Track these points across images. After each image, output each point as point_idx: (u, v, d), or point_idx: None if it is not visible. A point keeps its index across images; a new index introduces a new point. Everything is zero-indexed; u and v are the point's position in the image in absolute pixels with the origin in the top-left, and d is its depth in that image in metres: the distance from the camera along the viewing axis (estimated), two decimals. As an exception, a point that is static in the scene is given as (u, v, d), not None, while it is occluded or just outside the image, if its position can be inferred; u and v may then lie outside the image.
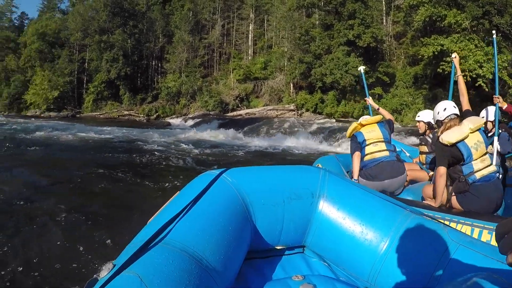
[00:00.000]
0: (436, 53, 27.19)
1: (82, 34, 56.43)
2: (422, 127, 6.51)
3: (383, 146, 5.23)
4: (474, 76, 25.06)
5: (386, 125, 5.57)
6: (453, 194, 4.02)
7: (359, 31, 34.78)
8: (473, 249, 2.16)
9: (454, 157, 3.95)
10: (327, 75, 34.51)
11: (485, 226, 3.45)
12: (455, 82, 5.44)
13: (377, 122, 5.49)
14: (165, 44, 56.09)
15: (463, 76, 21.43)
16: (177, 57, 51.45)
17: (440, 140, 3.97)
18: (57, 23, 63.05)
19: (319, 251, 2.70)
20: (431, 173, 5.66)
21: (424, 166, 5.97)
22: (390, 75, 36.06)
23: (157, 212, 2.23)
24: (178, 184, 9.94)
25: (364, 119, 5.62)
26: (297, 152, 18.84)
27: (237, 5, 55.82)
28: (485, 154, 3.95)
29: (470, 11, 26.41)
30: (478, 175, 3.86)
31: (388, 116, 6.10)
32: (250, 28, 54.52)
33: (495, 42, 5.89)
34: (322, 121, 33.51)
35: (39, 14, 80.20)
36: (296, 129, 26.58)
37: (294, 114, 37.99)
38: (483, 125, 4.31)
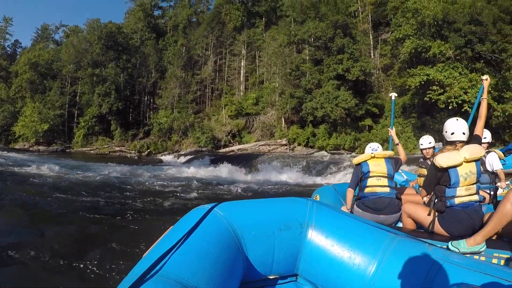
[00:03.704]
0: (422, 82, 28.03)
1: (75, 66, 56.66)
2: (431, 153, 6.67)
3: (385, 181, 5.20)
4: (460, 102, 25.85)
5: (393, 162, 5.51)
6: (436, 216, 4.05)
7: (348, 65, 35.27)
8: (458, 264, 2.30)
9: (442, 180, 3.97)
10: (318, 109, 34.85)
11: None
12: (479, 104, 5.37)
13: (385, 158, 5.45)
14: (157, 79, 56.22)
15: (450, 102, 21.47)
16: (170, 93, 51.55)
17: (434, 161, 3.97)
18: (50, 54, 62.93)
19: (311, 279, 2.78)
20: (425, 198, 5.71)
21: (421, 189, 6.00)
22: (379, 106, 36.53)
23: (152, 246, 2.28)
24: (171, 219, 9.86)
25: (376, 151, 5.54)
26: (290, 186, 18.81)
27: (230, 41, 56.26)
28: (473, 184, 3.91)
29: (453, 41, 27.37)
30: (457, 201, 3.89)
31: (402, 155, 6.07)
32: (242, 64, 55.01)
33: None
34: (314, 154, 33.64)
35: (32, 43, 79.93)
36: (289, 163, 26.53)
37: (286, 148, 38.08)
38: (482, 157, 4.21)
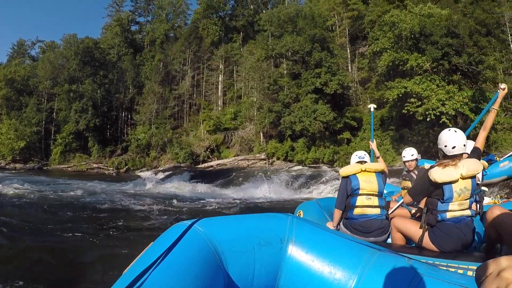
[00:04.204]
0: (400, 95, 28.25)
1: (51, 82, 55.88)
2: (414, 165, 6.68)
3: (376, 201, 4.90)
4: (438, 114, 26.15)
5: (383, 177, 5.20)
6: (426, 229, 3.97)
7: (325, 78, 35.54)
8: (436, 277, 2.33)
9: (434, 193, 3.87)
10: (296, 123, 34.92)
11: (448, 264, 3.50)
12: (487, 113, 4.97)
13: (376, 172, 5.09)
14: (135, 95, 55.88)
15: (428, 114, 21.57)
16: (147, 108, 51.29)
17: (429, 174, 3.82)
18: (26, 70, 61.73)
19: (292, 295, 2.77)
20: (413, 210, 5.50)
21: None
22: (357, 119, 36.94)
23: (131, 263, 2.25)
24: (151, 236, 9.67)
25: (363, 159, 5.31)
26: (272, 201, 18.71)
27: (207, 56, 56.29)
28: (467, 199, 3.82)
29: (430, 53, 27.76)
30: (449, 215, 3.81)
31: (385, 168, 5.52)
32: (220, 79, 55.03)
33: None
34: (293, 168, 33.69)
35: (8, 59, 78.28)
36: (268, 178, 26.42)
37: (265, 163, 38.15)
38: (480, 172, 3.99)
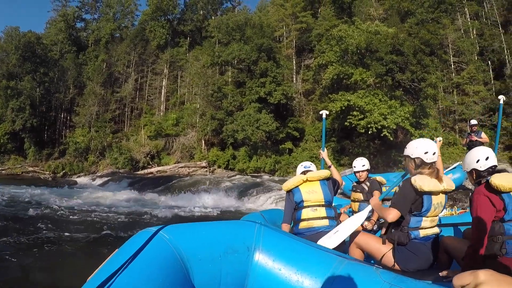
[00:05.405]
0: (343, 108, 28.51)
1: (-12, 77, 53.06)
2: (365, 176, 6.52)
3: (323, 212, 4.59)
4: (379, 127, 26.58)
5: (330, 184, 4.85)
6: (391, 248, 3.78)
7: (270, 88, 35.71)
8: (403, 287, 2.34)
9: (412, 204, 3.66)
10: (238, 132, 34.85)
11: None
12: None
13: (320, 180, 4.76)
14: (75, 95, 54.01)
15: (369, 128, 21.84)
16: (87, 110, 49.71)
17: (413, 181, 3.59)
18: None
19: (259, 303, 2.79)
20: (366, 223, 5.48)
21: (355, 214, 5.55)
22: (299, 130, 37.33)
23: (96, 270, 2.21)
24: (93, 247, 9.39)
25: (309, 168, 5.08)
26: (212, 211, 18.22)
27: (152, 60, 55.49)
28: (437, 215, 3.78)
29: (374, 69, 28.34)
30: (421, 233, 3.68)
31: (337, 176, 5.33)
32: (164, 83, 54.34)
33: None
34: (234, 177, 33.31)
35: None
36: (209, 186, 26.05)
37: (206, 171, 37.87)
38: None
